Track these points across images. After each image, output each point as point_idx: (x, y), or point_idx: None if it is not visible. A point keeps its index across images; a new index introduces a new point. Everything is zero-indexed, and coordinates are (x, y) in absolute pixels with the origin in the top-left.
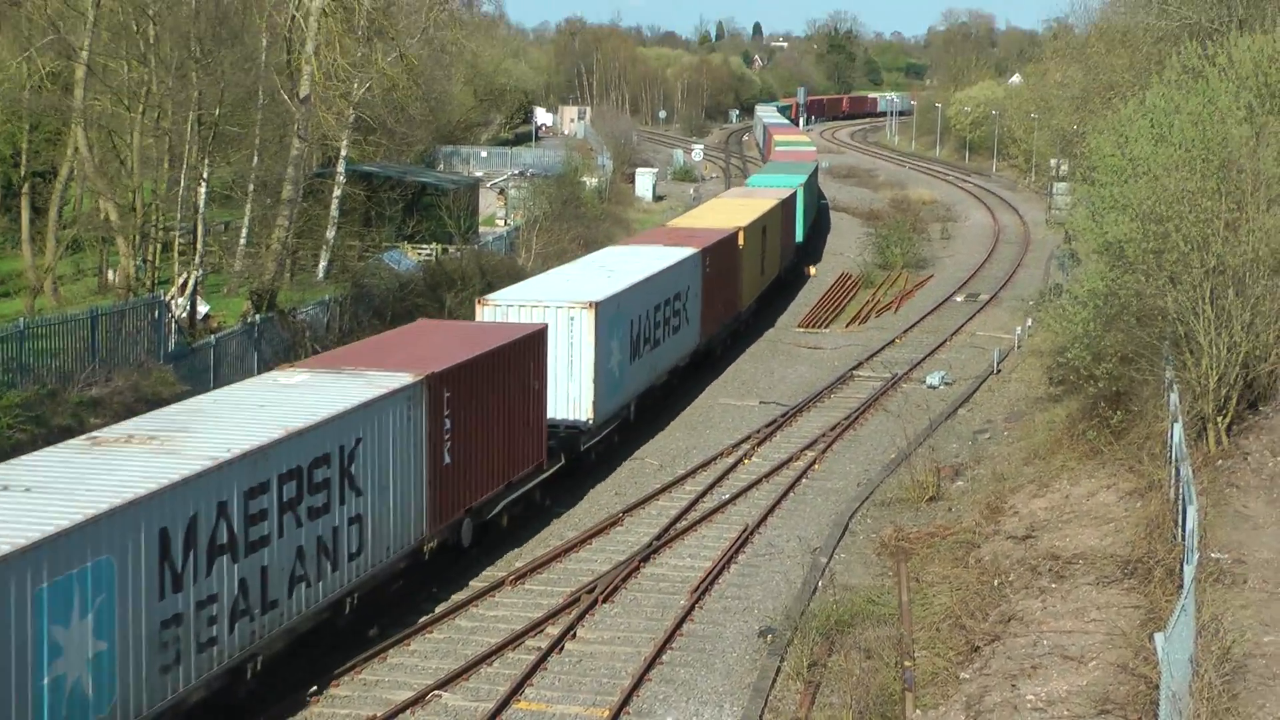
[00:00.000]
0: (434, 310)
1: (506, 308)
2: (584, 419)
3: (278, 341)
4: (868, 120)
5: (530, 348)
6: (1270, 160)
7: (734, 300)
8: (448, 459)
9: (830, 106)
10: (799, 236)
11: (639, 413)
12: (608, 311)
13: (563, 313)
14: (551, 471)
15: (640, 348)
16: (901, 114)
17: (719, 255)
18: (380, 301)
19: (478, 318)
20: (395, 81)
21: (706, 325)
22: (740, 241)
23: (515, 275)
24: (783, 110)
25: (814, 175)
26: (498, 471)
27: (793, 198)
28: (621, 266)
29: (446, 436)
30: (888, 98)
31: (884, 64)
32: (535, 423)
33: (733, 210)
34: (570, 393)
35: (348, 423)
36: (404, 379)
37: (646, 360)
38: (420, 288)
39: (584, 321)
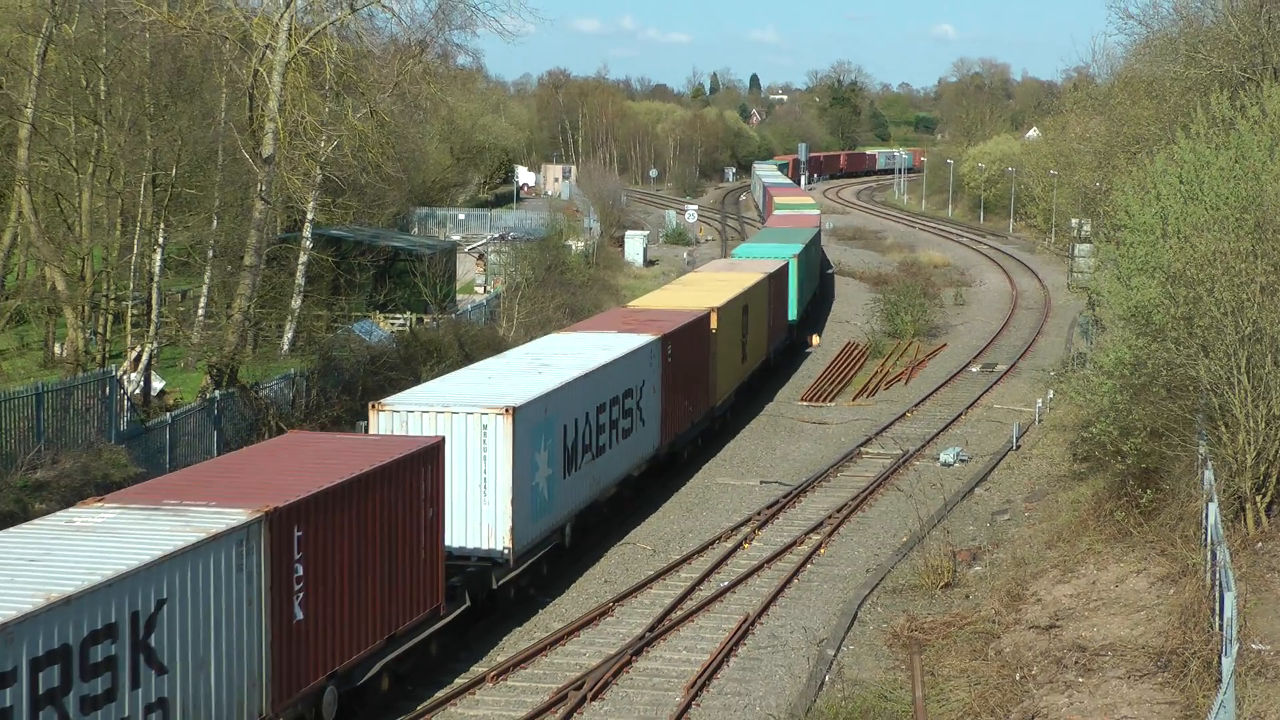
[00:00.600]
0: (409, 382)
1: (407, 414)
2: (499, 548)
3: (239, 420)
4: (874, 178)
5: (422, 466)
6: None
7: (705, 394)
8: (299, 614)
9: (828, 164)
10: (793, 314)
11: (579, 534)
12: (531, 417)
13: (474, 420)
14: (453, 616)
15: (578, 458)
16: (911, 171)
17: (686, 342)
18: (350, 376)
19: (372, 426)
20: (366, 139)
21: (669, 426)
22: (713, 324)
23: (496, 346)
24: (782, 168)
25: (815, 241)
26: (374, 623)
27: (784, 270)
28: (559, 359)
29: (298, 586)
30: (890, 153)
31: (891, 118)
32: (429, 558)
33: (710, 287)
34: (483, 517)
35: (145, 580)
36: (235, 517)
37: (587, 473)
38: (393, 360)
39: (500, 430)
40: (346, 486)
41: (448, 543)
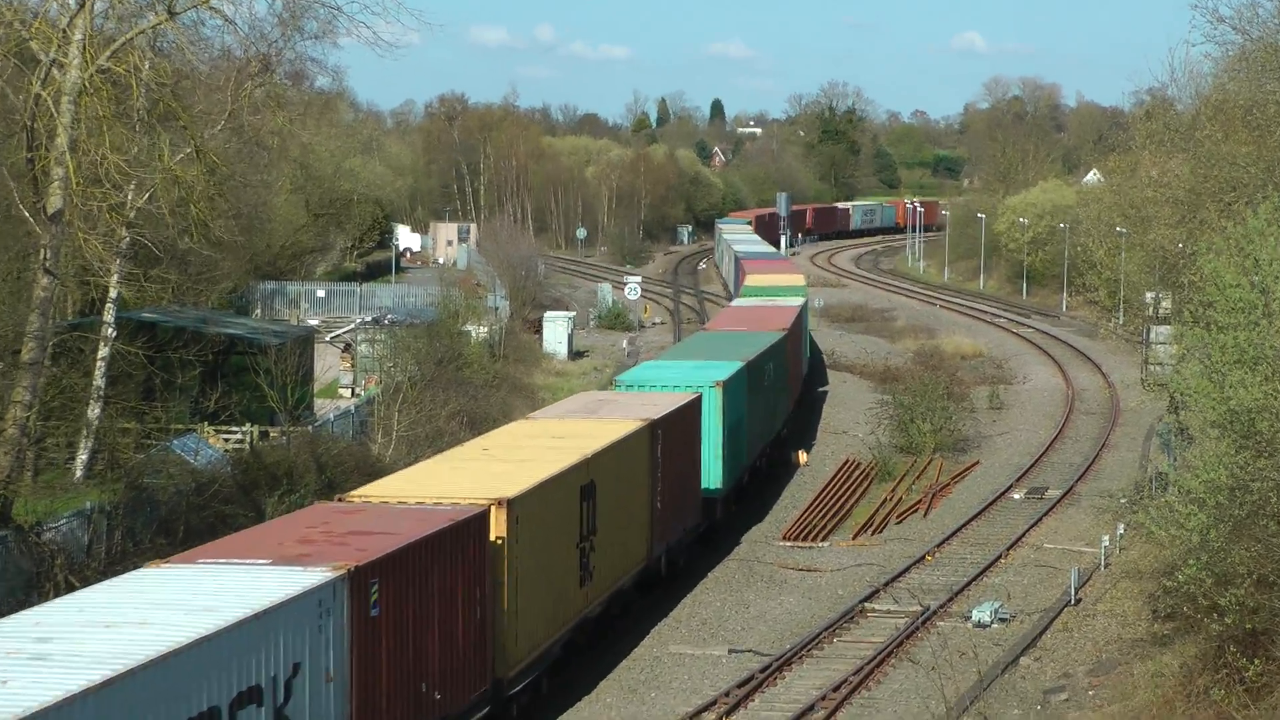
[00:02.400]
0: (249, 520)
1: None
2: None
3: (14, 572)
4: (879, 239)
5: None
6: None
7: (461, 679)
8: None
9: (795, 221)
10: (714, 479)
11: None
12: None
13: None
14: None
15: None
16: (893, 230)
17: (409, 576)
18: (169, 510)
19: None
20: (190, 188)
21: None
22: (496, 529)
23: (368, 470)
24: (761, 223)
25: (780, 345)
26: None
27: (692, 411)
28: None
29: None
30: (869, 208)
31: (901, 157)
32: None
33: (523, 453)
34: None
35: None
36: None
37: None
38: (228, 489)
39: None
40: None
41: None
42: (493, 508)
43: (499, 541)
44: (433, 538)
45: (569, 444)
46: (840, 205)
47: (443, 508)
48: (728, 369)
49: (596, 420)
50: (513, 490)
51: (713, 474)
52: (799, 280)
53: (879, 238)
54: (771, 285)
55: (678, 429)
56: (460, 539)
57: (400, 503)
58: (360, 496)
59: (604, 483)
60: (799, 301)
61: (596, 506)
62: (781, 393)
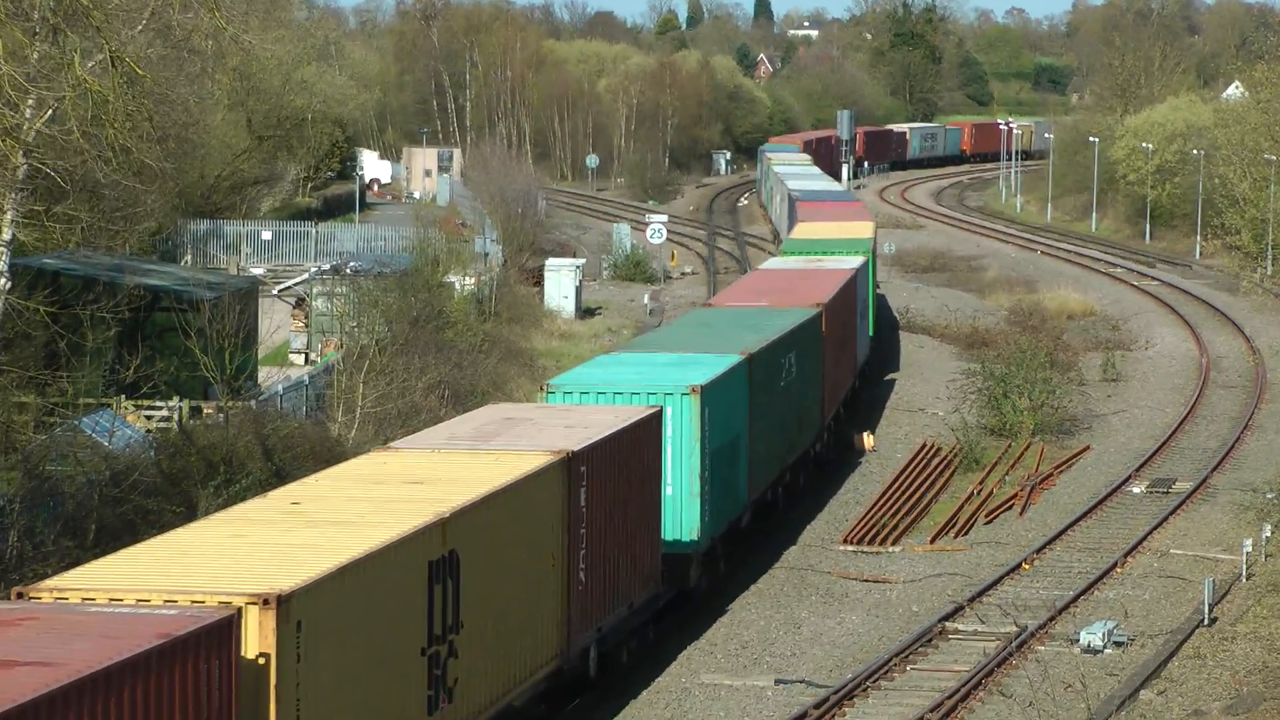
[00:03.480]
0: (177, 517)
1: None
2: None
3: None
4: (967, 168)
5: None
6: None
7: None
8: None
9: (819, 148)
10: (689, 530)
11: None
12: None
13: None
14: None
15: None
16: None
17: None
18: (78, 504)
19: None
20: (104, 104)
21: None
22: (261, 644)
23: (327, 455)
24: (811, 150)
25: (823, 318)
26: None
27: (647, 432)
28: None
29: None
30: (930, 131)
31: (994, 67)
32: None
33: (346, 511)
34: None
35: None
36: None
37: None
38: (153, 479)
39: None
40: None
41: None
42: (249, 609)
43: (262, 661)
44: (124, 667)
45: (424, 494)
46: (896, 128)
47: (161, 613)
48: (714, 367)
49: (486, 453)
50: (295, 578)
51: (684, 521)
52: (864, 230)
53: (965, 167)
54: (824, 238)
55: (619, 460)
56: (181, 662)
57: (112, 600)
58: (50, 591)
59: (474, 552)
60: (856, 262)
61: (460, 589)
62: (812, 391)
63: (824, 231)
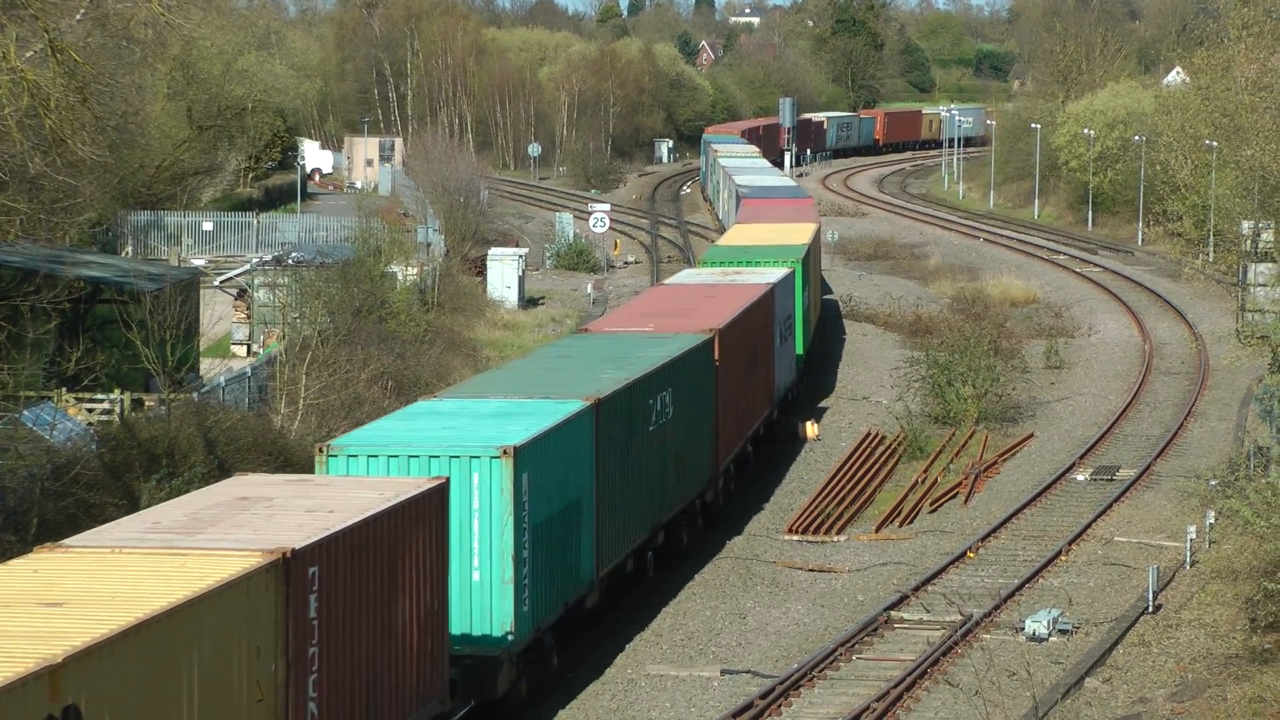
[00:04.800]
0: (120, 510)
1: None
2: None
3: None
4: (909, 156)
5: None
6: None
7: None
8: None
9: (765, 137)
10: (499, 621)
11: None
12: None
13: None
14: None
15: None
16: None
17: None
18: (19, 498)
19: None
20: (42, 94)
21: None
22: None
23: (270, 447)
24: (751, 137)
25: (716, 343)
26: None
27: (414, 519)
28: None
29: None
30: (842, 119)
31: (936, 53)
32: None
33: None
34: None
35: None
36: None
37: None
38: (95, 473)
39: None
40: None
41: None
42: None
43: None
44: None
45: (48, 625)
46: (815, 118)
47: None
48: (545, 418)
49: (176, 555)
50: None
51: (493, 614)
52: (801, 235)
53: (908, 155)
54: (752, 244)
55: (380, 551)
56: None
57: None
58: None
59: (116, 701)
60: (775, 276)
61: None
62: (700, 433)
63: (755, 236)
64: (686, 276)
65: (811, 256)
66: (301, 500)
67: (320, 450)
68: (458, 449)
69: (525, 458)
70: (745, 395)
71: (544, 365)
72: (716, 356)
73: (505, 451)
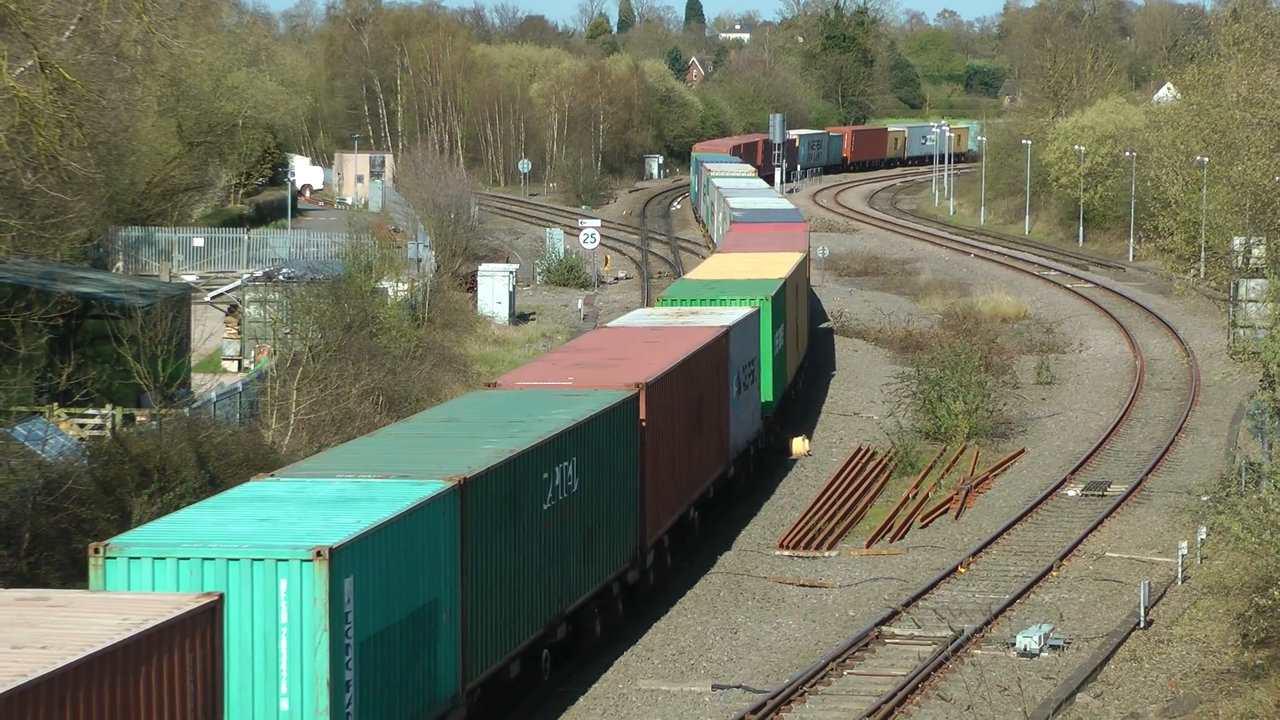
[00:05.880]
0: (112, 525)
1: None
2: None
3: None
4: (899, 172)
5: None
6: None
7: None
8: None
9: (748, 151)
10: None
11: None
12: None
13: None
14: None
15: None
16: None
17: None
18: (11, 513)
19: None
20: (33, 111)
21: None
22: None
23: (260, 462)
24: (739, 154)
25: (639, 402)
26: None
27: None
28: None
29: None
30: (813, 137)
31: (926, 69)
32: None
33: None
34: None
35: None
36: None
37: None
38: (86, 488)
39: None
40: None
41: None
42: None
43: None
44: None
45: None
46: (791, 134)
47: None
48: (387, 507)
49: None
50: None
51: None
52: (779, 268)
53: (897, 170)
54: (721, 279)
55: (97, 704)
56: None
57: None
58: None
59: None
60: (735, 316)
61: None
62: (619, 504)
63: (729, 269)
64: (636, 317)
65: (790, 289)
66: (18, 631)
67: (95, 552)
68: (262, 549)
69: (348, 559)
70: (688, 455)
71: (422, 432)
72: (643, 416)
73: (319, 553)
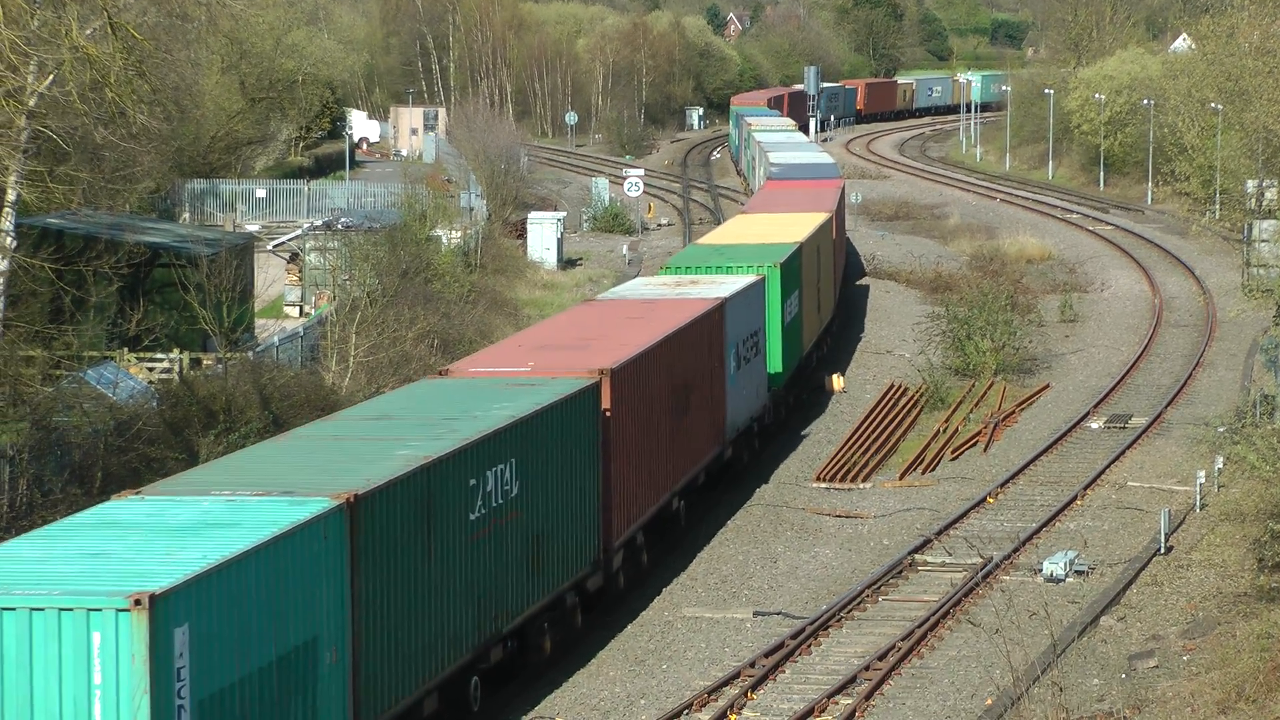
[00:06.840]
0: (180, 464)
1: None
2: None
3: None
4: (928, 121)
5: None
6: None
7: None
8: None
9: (783, 103)
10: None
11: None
12: None
13: None
14: None
15: None
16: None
17: None
18: (84, 454)
19: None
20: (103, 68)
21: None
22: None
23: (322, 403)
24: (775, 106)
25: (600, 390)
26: None
27: None
28: None
29: None
30: (831, 90)
31: (953, 23)
32: None
33: None
34: None
35: None
36: None
37: None
38: (155, 429)
39: None
40: None
41: None
42: None
43: None
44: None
45: None
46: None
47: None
48: (249, 535)
49: None
50: None
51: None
52: (798, 230)
53: (927, 119)
54: (733, 244)
55: None
56: None
57: None
58: None
59: None
60: (735, 286)
61: None
62: (577, 508)
63: (746, 232)
64: (631, 288)
65: (809, 252)
66: None
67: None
68: (73, 597)
69: (179, 605)
70: (670, 442)
71: (338, 433)
72: (607, 405)
73: (137, 600)
